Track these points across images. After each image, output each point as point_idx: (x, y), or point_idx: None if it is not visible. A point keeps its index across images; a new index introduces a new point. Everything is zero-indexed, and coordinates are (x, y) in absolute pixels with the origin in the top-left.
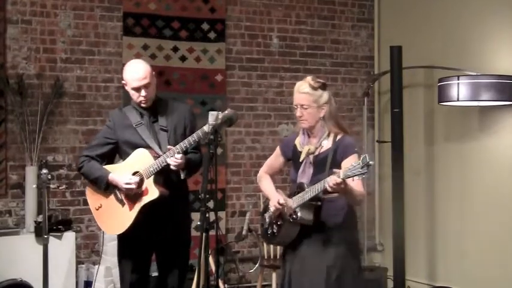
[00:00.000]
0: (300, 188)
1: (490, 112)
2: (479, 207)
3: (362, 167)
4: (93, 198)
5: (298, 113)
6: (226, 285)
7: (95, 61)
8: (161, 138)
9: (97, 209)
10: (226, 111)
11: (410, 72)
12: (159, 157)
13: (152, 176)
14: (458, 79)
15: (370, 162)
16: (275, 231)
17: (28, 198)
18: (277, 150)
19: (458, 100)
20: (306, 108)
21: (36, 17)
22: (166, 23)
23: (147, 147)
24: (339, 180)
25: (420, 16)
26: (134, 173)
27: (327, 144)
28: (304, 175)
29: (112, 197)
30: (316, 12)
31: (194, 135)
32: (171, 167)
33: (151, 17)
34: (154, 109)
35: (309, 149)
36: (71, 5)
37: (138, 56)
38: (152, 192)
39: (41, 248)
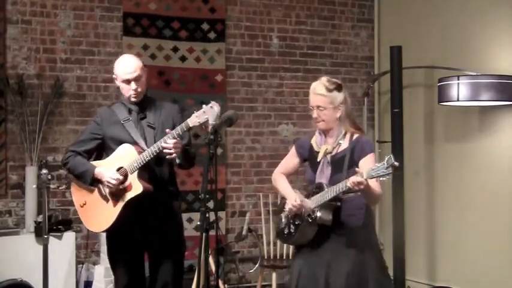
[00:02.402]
0: (319, 188)
1: (490, 112)
2: (479, 207)
3: (387, 168)
4: (77, 195)
5: (314, 114)
6: (226, 285)
7: (95, 61)
8: (148, 135)
9: (81, 206)
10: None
11: (410, 72)
12: (143, 152)
13: (136, 171)
14: (458, 79)
15: (395, 163)
16: (292, 231)
17: (28, 198)
18: (293, 150)
19: (458, 100)
20: (322, 110)
21: (36, 17)
22: (166, 23)
23: (133, 142)
24: (361, 179)
25: (420, 16)
26: (118, 169)
27: (343, 143)
28: (323, 175)
29: (96, 193)
30: (316, 12)
31: (188, 120)
32: (165, 150)
33: (151, 17)
34: (143, 106)
35: (327, 149)
36: (71, 5)
37: (138, 56)
38: (136, 187)
39: (41, 248)
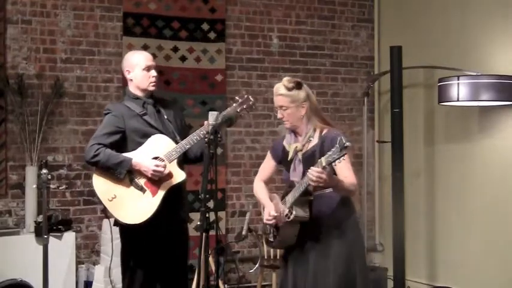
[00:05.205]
0: (291, 187)
1: (490, 112)
2: (479, 207)
3: (340, 150)
4: (103, 189)
5: (279, 114)
6: (226, 285)
7: (95, 61)
8: (169, 128)
9: (110, 200)
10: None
11: (410, 72)
12: (181, 141)
13: (175, 160)
14: (458, 79)
15: (347, 144)
16: (276, 234)
17: (28, 198)
18: (268, 154)
19: (458, 100)
20: (285, 110)
21: (36, 17)
22: (166, 23)
23: (160, 133)
24: (319, 169)
25: (420, 16)
26: (154, 158)
27: (313, 140)
28: (295, 173)
29: (129, 184)
30: (316, 12)
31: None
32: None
33: (151, 17)
34: (155, 100)
35: (296, 147)
36: (71, 5)
37: None
38: (179, 174)
39: (41, 248)
